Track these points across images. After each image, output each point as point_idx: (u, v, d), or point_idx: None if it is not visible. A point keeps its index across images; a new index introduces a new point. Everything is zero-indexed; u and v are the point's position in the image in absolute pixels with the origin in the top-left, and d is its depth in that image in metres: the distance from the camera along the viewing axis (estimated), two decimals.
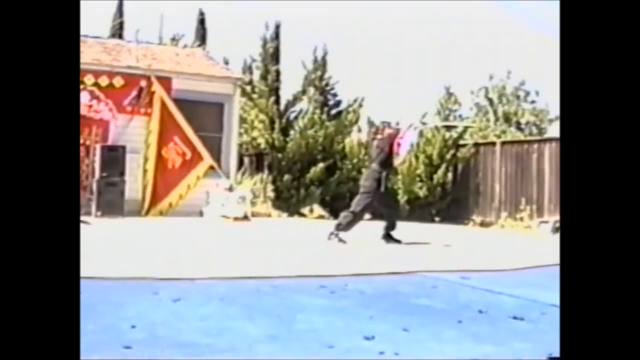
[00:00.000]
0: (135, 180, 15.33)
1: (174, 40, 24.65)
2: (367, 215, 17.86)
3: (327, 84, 19.61)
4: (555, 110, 27.25)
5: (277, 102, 18.79)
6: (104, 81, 15.08)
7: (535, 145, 17.14)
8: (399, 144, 10.40)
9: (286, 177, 17.61)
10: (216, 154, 16.31)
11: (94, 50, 16.15)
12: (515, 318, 4.75)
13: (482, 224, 17.25)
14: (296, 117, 19.02)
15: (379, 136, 10.56)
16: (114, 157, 14.69)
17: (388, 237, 10.20)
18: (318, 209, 18.15)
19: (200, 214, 15.07)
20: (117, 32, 24.11)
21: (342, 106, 19.71)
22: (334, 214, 17.83)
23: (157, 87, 15.66)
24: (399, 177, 17.92)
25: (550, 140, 17.65)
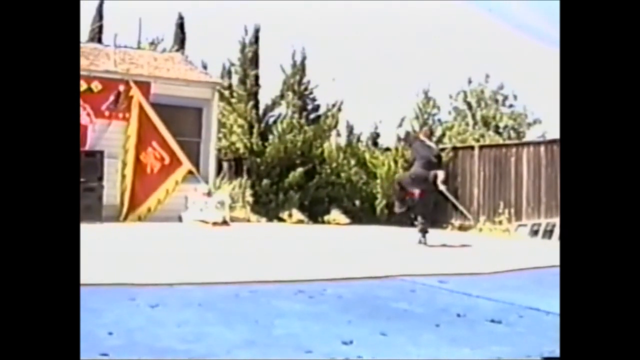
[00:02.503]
0: (114, 186, 15.25)
1: (153, 44, 24.55)
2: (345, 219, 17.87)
3: (305, 89, 19.59)
4: (532, 114, 27.44)
5: (256, 106, 18.76)
6: (81, 86, 14.96)
7: (514, 149, 17.26)
8: None
9: (265, 181, 17.59)
10: (195, 159, 16.26)
11: None
12: (493, 321, 4.78)
13: (461, 228, 17.31)
14: (275, 122, 19.00)
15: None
16: (92, 162, 14.60)
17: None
18: (297, 214, 18.09)
19: (179, 219, 15.01)
20: (96, 35, 23.96)
21: (321, 110, 19.70)
22: (313, 218, 17.82)
23: (135, 91, 15.59)
24: (378, 181, 17.94)
25: (528, 144, 17.81)
